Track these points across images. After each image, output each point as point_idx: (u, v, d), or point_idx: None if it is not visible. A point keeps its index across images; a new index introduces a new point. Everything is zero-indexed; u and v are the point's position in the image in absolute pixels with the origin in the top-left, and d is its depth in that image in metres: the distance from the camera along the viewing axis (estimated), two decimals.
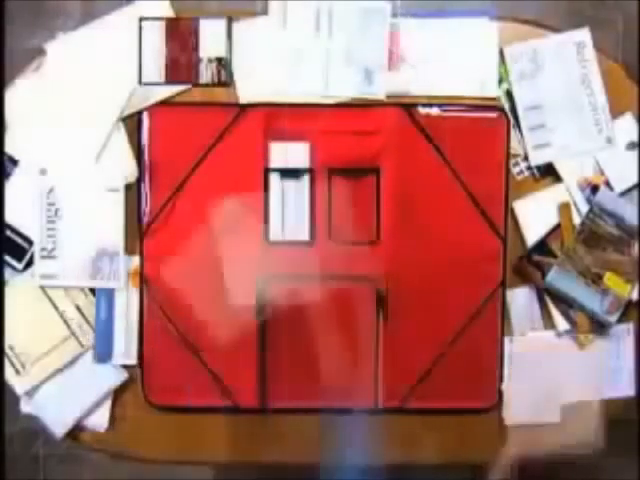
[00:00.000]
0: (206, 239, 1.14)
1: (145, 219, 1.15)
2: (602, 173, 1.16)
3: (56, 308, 1.17)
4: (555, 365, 1.18)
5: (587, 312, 1.15)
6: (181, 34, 1.15)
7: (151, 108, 1.15)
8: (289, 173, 1.15)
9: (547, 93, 1.16)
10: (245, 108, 1.15)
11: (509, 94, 1.16)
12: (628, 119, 1.16)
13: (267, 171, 1.15)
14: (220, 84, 1.15)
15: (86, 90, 1.15)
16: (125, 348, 1.17)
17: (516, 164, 1.18)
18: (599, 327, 1.17)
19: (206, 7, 1.68)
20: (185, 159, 1.14)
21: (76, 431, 1.19)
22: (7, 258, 1.17)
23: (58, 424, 1.18)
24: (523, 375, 1.18)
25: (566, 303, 1.15)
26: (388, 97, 1.16)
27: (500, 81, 1.16)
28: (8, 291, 1.16)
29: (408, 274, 1.15)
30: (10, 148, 1.15)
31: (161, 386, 1.17)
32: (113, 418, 1.19)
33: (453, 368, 1.16)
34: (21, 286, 1.17)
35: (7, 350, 1.16)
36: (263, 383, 1.17)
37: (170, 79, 1.15)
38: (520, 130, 1.16)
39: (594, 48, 1.17)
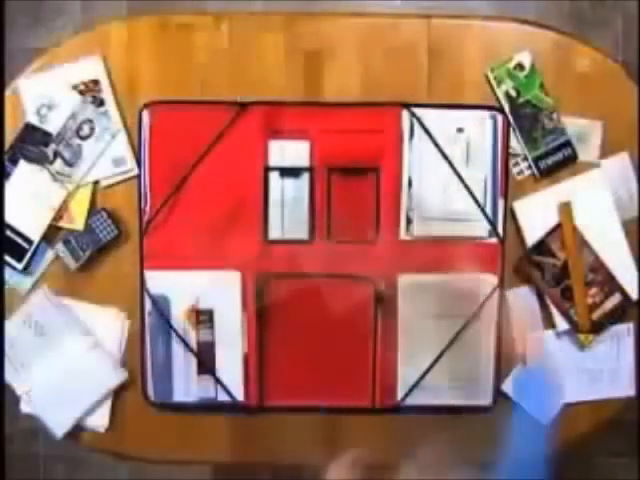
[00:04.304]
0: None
1: (145, 217, 1.16)
2: None
3: None
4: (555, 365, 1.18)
5: None
6: None
7: (151, 106, 1.15)
8: (289, 172, 1.15)
9: None
10: (245, 106, 1.14)
11: (508, 94, 1.16)
12: None
13: (267, 169, 1.15)
14: None
15: None
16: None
17: (516, 164, 1.18)
18: (599, 327, 1.17)
19: (206, 7, 1.68)
20: (185, 157, 1.14)
21: (76, 431, 1.19)
22: (7, 258, 1.17)
23: (58, 424, 1.18)
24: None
25: None
26: None
27: (499, 82, 1.16)
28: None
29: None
30: None
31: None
32: (113, 418, 1.19)
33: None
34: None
35: (7, 350, 1.16)
36: (261, 381, 1.17)
37: None
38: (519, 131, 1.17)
39: (594, 48, 1.17)
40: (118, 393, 1.19)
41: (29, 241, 1.16)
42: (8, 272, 1.18)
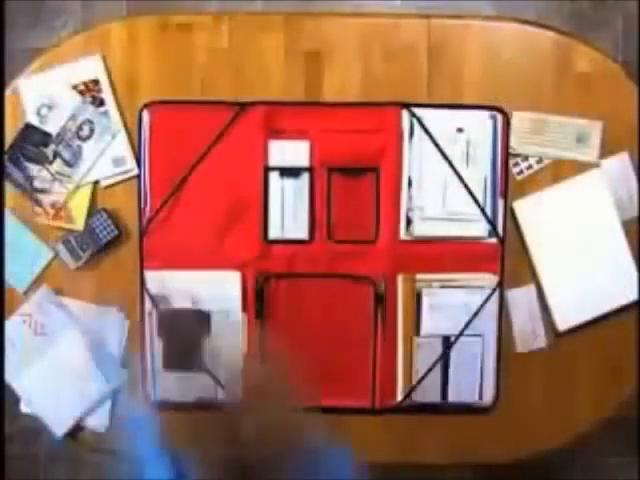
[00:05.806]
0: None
1: (145, 217, 1.16)
2: None
3: None
4: None
5: None
6: None
7: (151, 106, 1.15)
8: (289, 171, 1.15)
9: None
10: (245, 106, 1.14)
11: None
12: None
13: (267, 169, 1.15)
14: None
15: None
16: None
17: (516, 164, 1.18)
18: None
19: (206, 7, 1.68)
20: (185, 157, 1.14)
21: (76, 431, 1.19)
22: None
23: (58, 424, 1.18)
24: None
25: None
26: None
27: None
28: None
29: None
30: None
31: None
32: (113, 418, 1.19)
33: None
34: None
35: (7, 349, 1.16)
36: None
37: None
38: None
39: (594, 48, 1.17)
40: (118, 393, 1.19)
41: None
42: (8, 272, 1.18)
